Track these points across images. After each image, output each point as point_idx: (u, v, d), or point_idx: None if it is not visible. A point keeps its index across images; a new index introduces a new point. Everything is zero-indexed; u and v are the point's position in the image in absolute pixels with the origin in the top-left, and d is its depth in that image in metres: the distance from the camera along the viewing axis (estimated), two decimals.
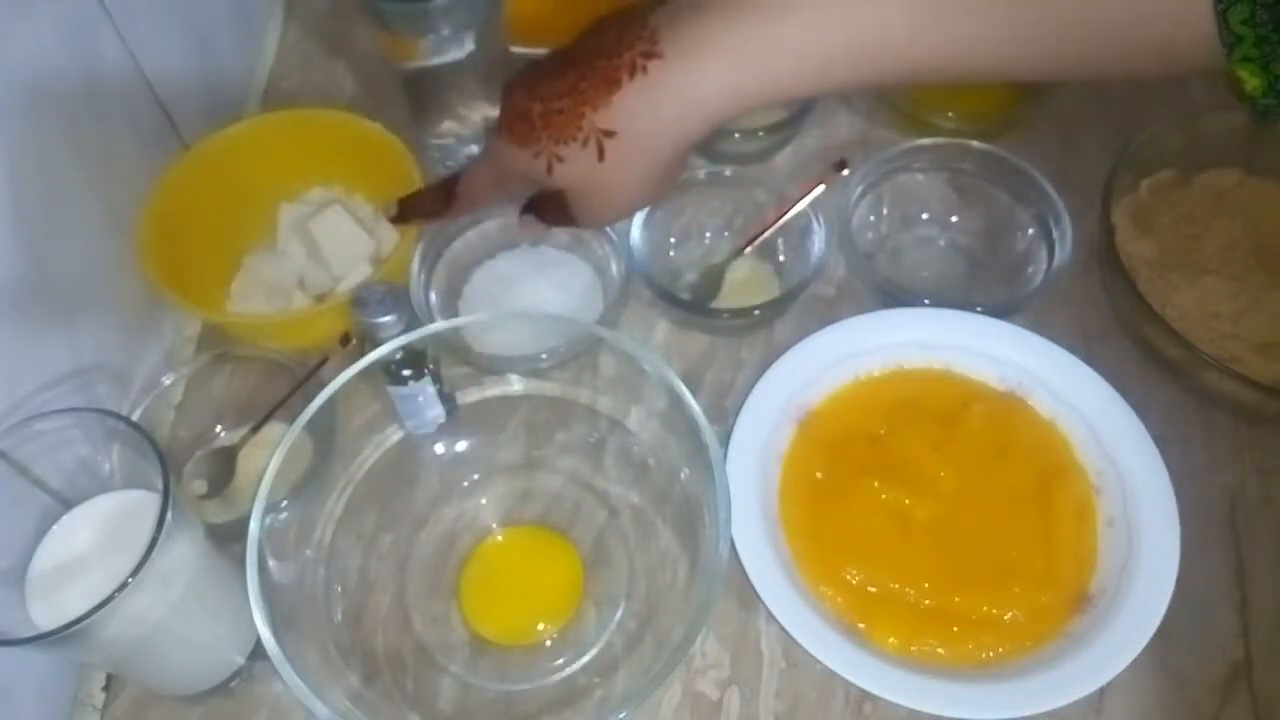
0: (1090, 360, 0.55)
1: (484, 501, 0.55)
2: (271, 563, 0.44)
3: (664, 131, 0.40)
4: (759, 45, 0.38)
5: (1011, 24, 0.37)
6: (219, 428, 0.58)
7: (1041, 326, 0.56)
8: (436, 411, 0.53)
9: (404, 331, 0.48)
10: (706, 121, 0.40)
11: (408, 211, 0.51)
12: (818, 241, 0.59)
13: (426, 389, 0.51)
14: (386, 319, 0.47)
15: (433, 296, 0.60)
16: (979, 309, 0.57)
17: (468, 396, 0.55)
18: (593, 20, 0.41)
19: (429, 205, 0.50)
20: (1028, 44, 0.37)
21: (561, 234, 0.63)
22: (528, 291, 0.62)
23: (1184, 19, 0.35)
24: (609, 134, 0.40)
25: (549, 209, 0.47)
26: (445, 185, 0.49)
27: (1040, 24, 0.37)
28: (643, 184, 0.42)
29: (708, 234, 0.64)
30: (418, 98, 0.63)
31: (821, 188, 0.59)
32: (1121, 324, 0.60)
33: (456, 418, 0.55)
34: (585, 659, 0.50)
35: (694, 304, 0.60)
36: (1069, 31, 0.37)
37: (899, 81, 0.40)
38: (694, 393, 0.47)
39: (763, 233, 0.60)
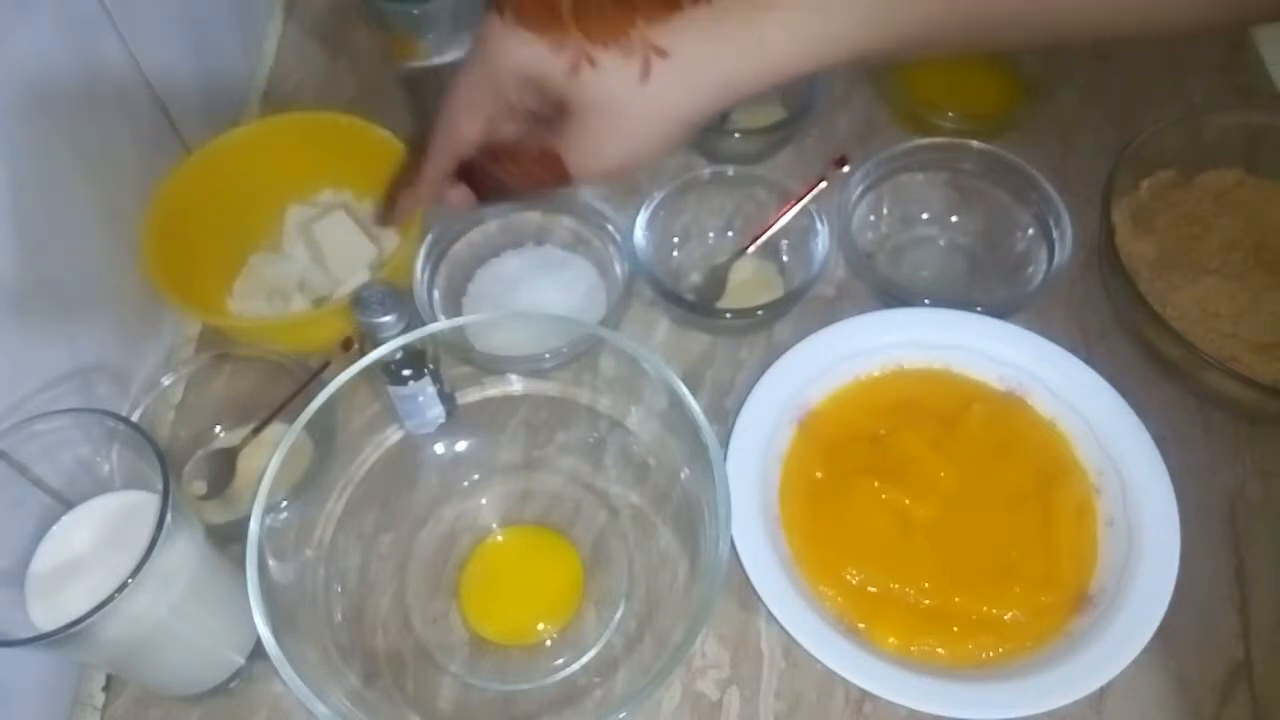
0: (1090, 360, 0.55)
1: (484, 501, 0.55)
2: (271, 563, 0.44)
3: (721, 66, 0.36)
4: None
5: None
6: (219, 428, 0.58)
7: (1041, 326, 0.56)
8: (436, 411, 0.53)
9: (404, 331, 0.48)
10: (767, 69, 0.36)
11: (391, 193, 0.44)
12: (821, 241, 0.59)
13: (426, 389, 0.51)
14: (386, 319, 0.47)
15: (436, 296, 0.60)
16: (979, 309, 0.57)
17: (468, 396, 0.55)
18: None
19: (408, 171, 0.43)
20: None
21: (565, 233, 0.63)
22: (531, 292, 0.62)
23: None
24: (661, 53, 0.35)
25: (505, 165, 0.39)
26: (417, 144, 0.41)
27: None
28: (672, 125, 0.37)
29: (710, 234, 0.64)
30: (418, 98, 0.63)
31: (823, 185, 0.59)
32: (1121, 324, 0.60)
33: (456, 418, 0.55)
34: (585, 659, 0.50)
35: (699, 305, 0.60)
36: None
37: (973, 22, 0.37)
38: (694, 393, 0.47)
39: (765, 232, 0.60)
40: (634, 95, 0.36)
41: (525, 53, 0.36)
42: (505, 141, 0.39)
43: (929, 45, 0.38)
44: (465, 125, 0.39)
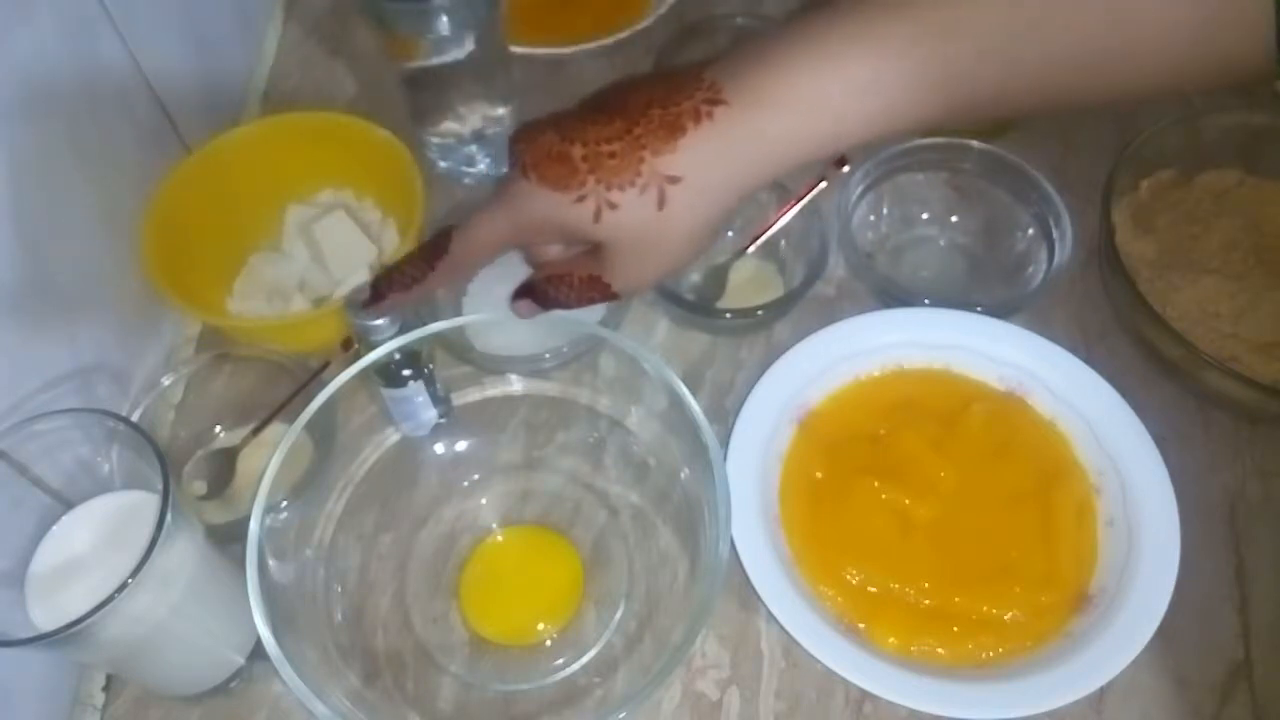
0: (1090, 360, 0.55)
1: (484, 501, 0.55)
2: (271, 563, 0.44)
3: (732, 177, 0.38)
4: (822, 89, 0.37)
5: (1080, 50, 0.36)
6: (219, 428, 0.58)
7: (1041, 326, 0.57)
8: (431, 414, 0.53)
9: (398, 334, 0.48)
10: (776, 167, 0.38)
11: (383, 288, 0.44)
12: (820, 241, 0.59)
13: (422, 392, 0.51)
14: (379, 321, 0.47)
15: (436, 295, 0.60)
16: (979, 309, 0.57)
17: (468, 396, 0.55)
18: (621, 81, 0.40)
19: (409, 273, 0.43)
20: (1095, 71, 0.36)
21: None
22: None
23: (1244, 32, 0.34)
24: (674, 180, 0.38)
25: (560, 286, 0.43)
26: (427, 250, 0.43)
27: (1106, 49, 0.36)
28: (699, 235, 0.40)
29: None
30: (418, 98, 0.63)
31: (823, 184, 0.59)
32: (1121, 324, 0.60)
33: (455, 418, 0.55)
34: (585, 659, 0.50)
35: (699, 305, 0.60)
36: (1132, 53, 0.36)
37: (969, 113, 0.38)
38: (694, 393, 0.47)
39: (765, 232, 0.60)
40: (655, 223, 0.38)
41: (551, 208, 0.39)
42: (557, 267, 0.43)
43: (933, 126, 0.40)
44: (480, 260, 0.43)
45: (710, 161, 0.38)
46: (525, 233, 0.41)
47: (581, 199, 0.38)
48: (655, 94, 0.38)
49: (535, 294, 0.44)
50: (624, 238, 0.39)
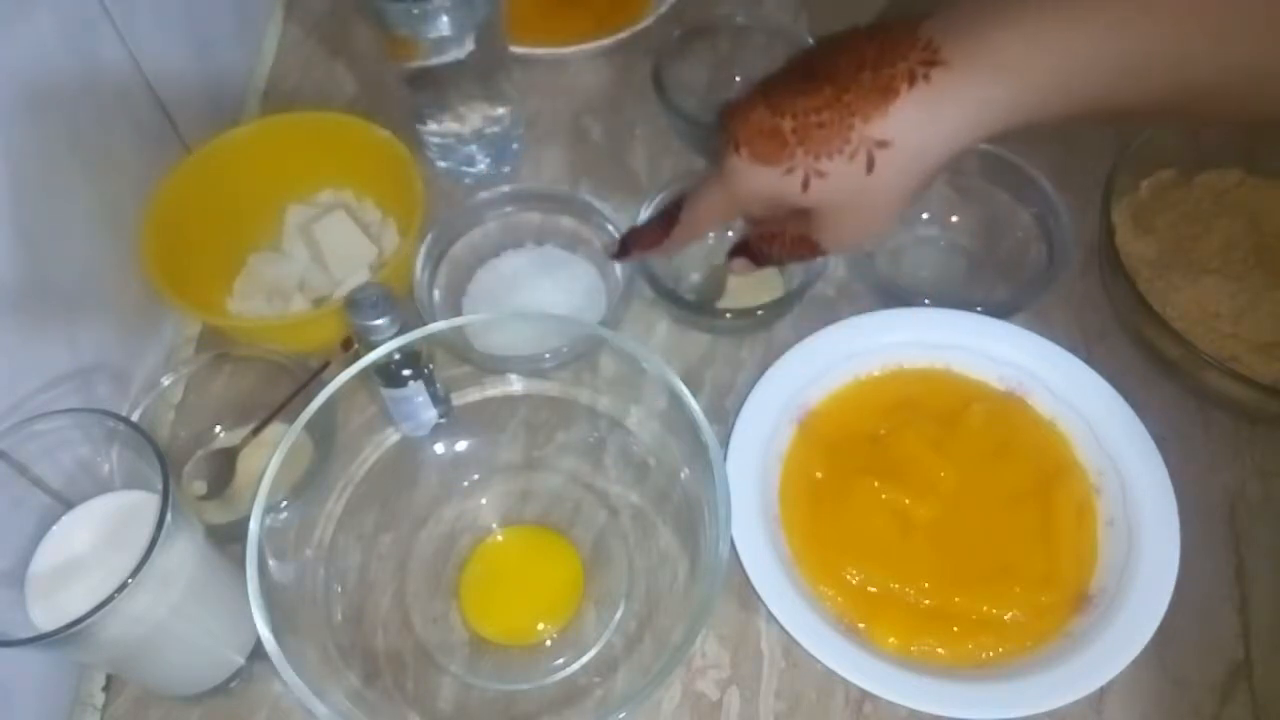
0: (1090, 360, 0.55)
1: (484, 501, 0.55)
2: (271, 563, 0.44)
3: (943, 140, 0.38)
4: (1041, 60, 0.36)
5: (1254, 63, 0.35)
6: (219, 428, 0.58)
7: (1041, 326, 0.57)
8: (431, 414, 0.53)
9: (398, 334, 0.48)
10: (988, 131, 0.38)
11: (630, 244, 0.51)
12: None
13: (422, 392, 0.51)
14: (379, 321, 0.47)
15: (436, 296, 0.60)
16: (979, 309, 0.57)
17: (468, 396, 0.55)
18: (831, 40, 0.40)
19: (649, 237, 0.50)
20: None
21: (565, 233, 0.63)
22: (531, 291, 0.62)
23: None
24: (883, 144, 0.38)
25: (773, 244, 0.46)
26: (665, 216, 0.48)
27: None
28: (906, 196, 0.40)
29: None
30: (418, 98, 0.63)
31: None
32: (1121, 324, 0.60)
33: (455, 418, 0.55)
34: (585, 659, 0.50)
35: (698, 304, 0.60)
36: None
37: (1185, 105, 0.37)
38: (694, 393, 0.47)
39: None
40: (862, 187, 0.39)
41: (763, 182, 0.40)
42: (769, 226, 0.46)
43: (1124, 110, 0.39)
44: (704, 228, 0.47)
45: (922, 124, 0.37)
46: (739, 204, 0.44)
47: (790, 170, 0.39)
48: (867, 55, 0.38)
49: (750, 251, 0.48)
50: (831, 203, 0.40)
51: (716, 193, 0.44)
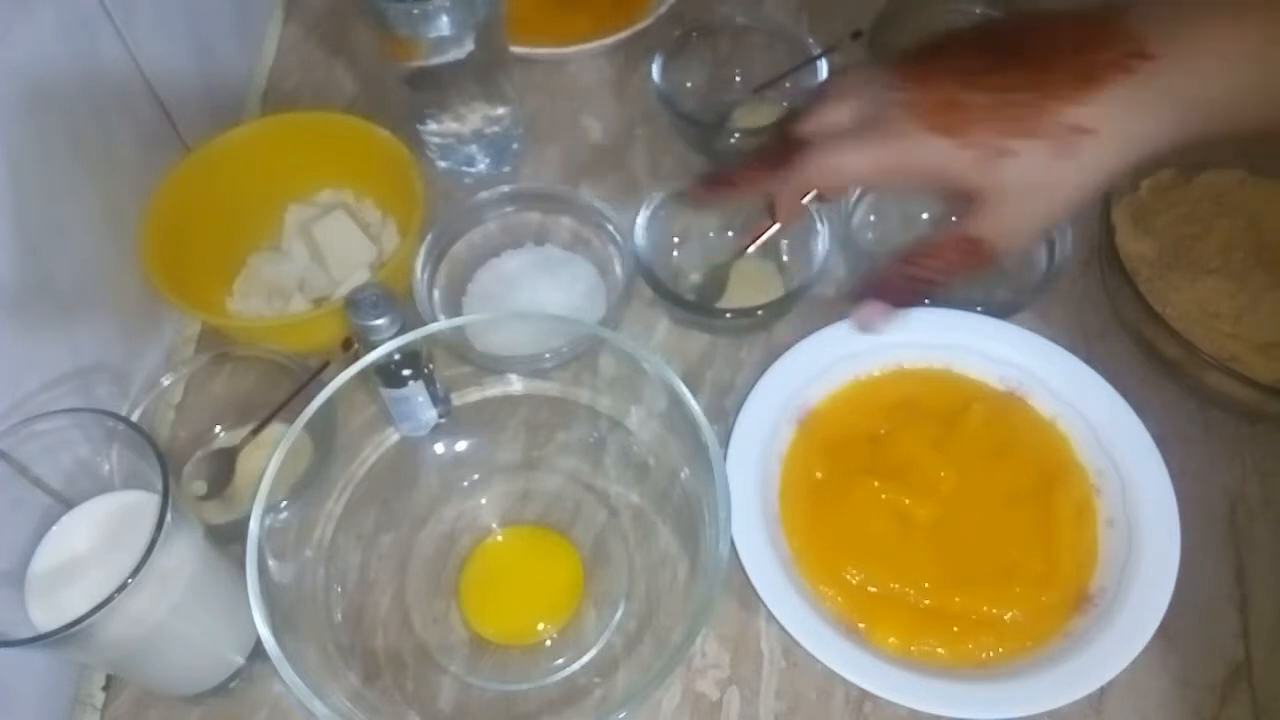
0: (1090, 360, 0.55)
1: (484, 501, 0.55)
2: (271, 563, 0.44)
3: (1146, 133, 0.37)
4: (1250, 65, 0.35)
5: None
6: (219, 428, 0.58)
7: (1041, 326, 0.56)
8: (431, 414, 0.53)
9: (398, 334, 0.48)
10: (1187, 133, 0.37)
11: (710, 183, 0.46)
12: (821, 241, 0.59)
13: (422, 392, 0.51)
14: (379, 322, 0.47)
15: (436, 296, 0.60)
16: (979, 309, 0.57)
17: (468, 396, 0.55)
18: (1016, 19, 0.39)
19: (744, 173, 0.45)
20: None
21: (565, 233, 0.63)
22: (531, 292, 0.61)
23: None
24: (1085, 131, 0.37)
25: (933, 259, 0.42)
26: (767, 153, 0.43)
27: None
28: (1098, 188, 0.39)
29: (710, 233, 0.64)
30: (418, 98, 0.63)
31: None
32: (1121, 324, 0.60)
33: (455, 418, 0.55)
34: (585, 659, 0.50)
35: (699, 304, 0.60)
36: None
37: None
38: (694, 393, 0.47)
39: (765, 232, 0.60)
40: (1058, 171, 0.38)
41: (934, 153, 0.38)
42: (921, 247, 0.42)
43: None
44: (830, 185, 0.43)
45: (1127, 115, 0.36)
46: (890, 173, 0.41)
47: (967, 145, 0.38)
48: (1062, 39, 0.37)
49: (887, 287, 0.43)
50: (1012, 184, 0.38)
51: (867, 152, 0.40)
